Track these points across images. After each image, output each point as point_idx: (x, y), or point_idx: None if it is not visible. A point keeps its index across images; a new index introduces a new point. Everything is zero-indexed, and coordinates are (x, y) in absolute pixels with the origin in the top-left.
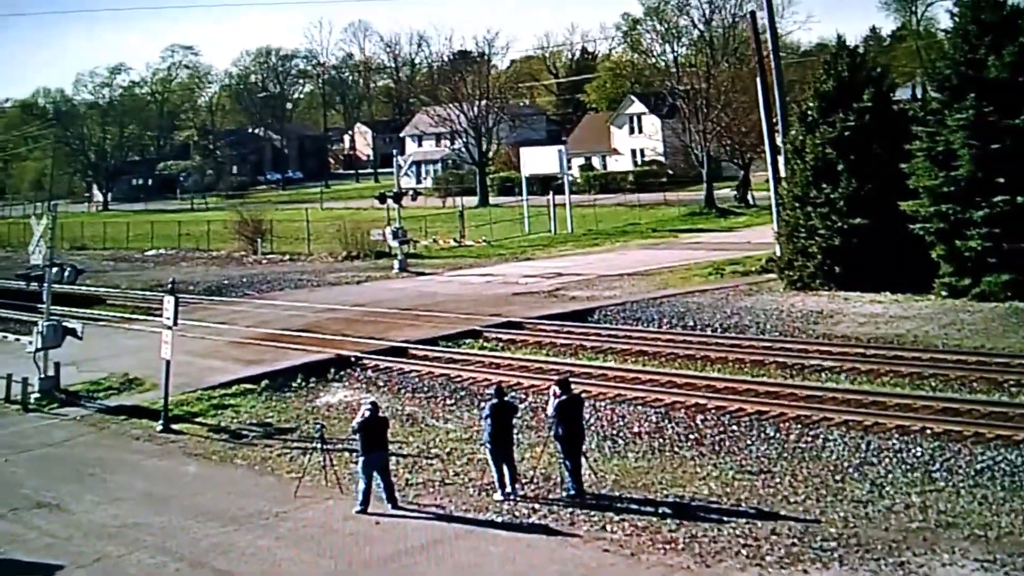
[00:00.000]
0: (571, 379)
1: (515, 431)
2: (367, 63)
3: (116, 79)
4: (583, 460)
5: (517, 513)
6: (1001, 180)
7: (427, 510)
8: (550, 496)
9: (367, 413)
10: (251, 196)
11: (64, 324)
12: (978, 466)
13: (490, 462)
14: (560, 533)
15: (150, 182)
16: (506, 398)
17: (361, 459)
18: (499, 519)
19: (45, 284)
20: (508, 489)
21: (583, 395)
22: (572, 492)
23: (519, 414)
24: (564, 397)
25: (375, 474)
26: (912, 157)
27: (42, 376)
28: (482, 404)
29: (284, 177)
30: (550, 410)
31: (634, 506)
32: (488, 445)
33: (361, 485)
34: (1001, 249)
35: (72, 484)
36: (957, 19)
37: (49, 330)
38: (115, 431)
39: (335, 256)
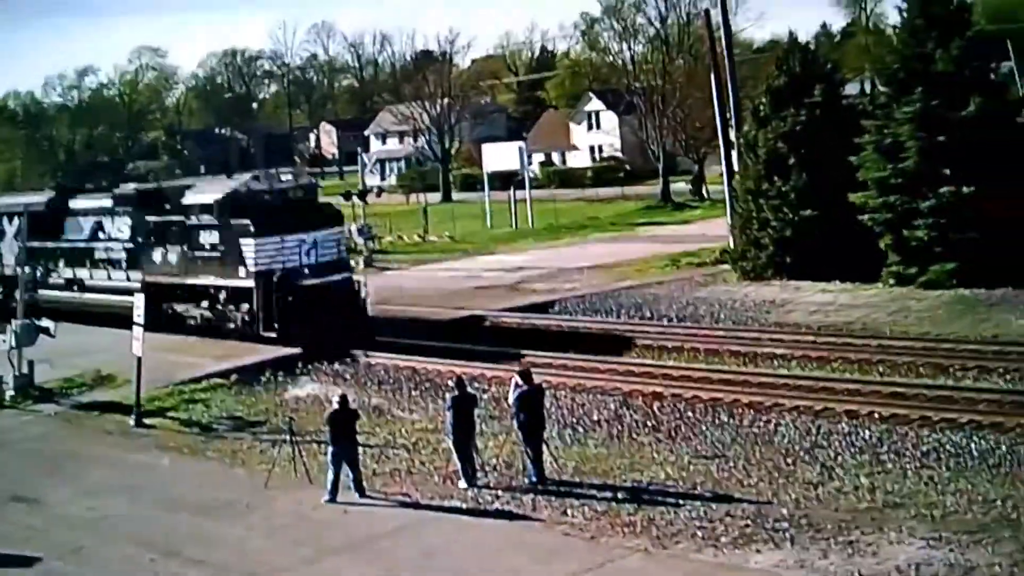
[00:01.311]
0: (532, 370)
1: (478, 421)
2: (331, 63)
3: (84, 81)
4: (544, 448)
5: (481, 500)
6: (947, 172)
7: (394, 498)
8: (513, 483)
9: (336, 406)
10: None
11: (37, 323)
12: (924, 448)
13: (453, 452)
14: (523, 518)
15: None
16: (467, 390)
17: (330, 450)
18: (464, 506)
19: (19, 284)
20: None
21: (544, 385)
22: (534, 479)
23: (481, 405)
24: (525, 387)
25: (344, 464)
26: (861, 150)
27: (16, 374)
28: (446, 396)
29: None
30: (511, 400)
31: (594, 491)
32: (451, 436)
33: (330, 475)
34: (947, 239)
35: (48, 478)
36: (905, 14)
37: (22, 329)
38: (89, 426)
39: None
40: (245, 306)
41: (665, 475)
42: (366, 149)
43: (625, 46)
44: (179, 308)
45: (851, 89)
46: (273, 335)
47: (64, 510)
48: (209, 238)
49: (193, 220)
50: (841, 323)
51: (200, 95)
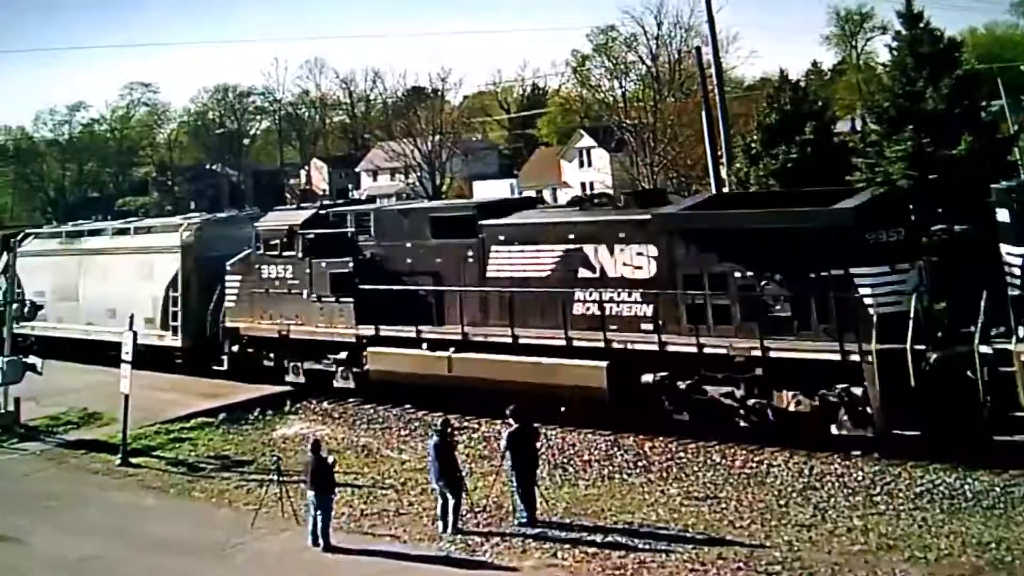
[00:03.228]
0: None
1: (469, 460)
2: (323, 99)
3: (75, 116)
4: (535, 488)
5: (470, 542)
6: (939, 210)
7: (382, 541)
8: (503, 524)
9: (310, 454)
10: None
11: (24, 360)
12: (917, 489)
13: (437, 496)
14: (512, 562)
15: (109, 218)
16: (449, 430)
17: (310, 493)
18: (452, 547)
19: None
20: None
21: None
22: (524, 520)
23: (469, 444)
24: (518, 426)
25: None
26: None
27: (2, 411)
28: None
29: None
30: (504, 439)
31: (584, 533)
32: (433, 479)
33: (310, 519)
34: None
35: (32, 518)
36: (895, 52)
37: (9, 366)
38: (74, 465)
39: None
40: None
41: (656, 516)
42: (357, 186)
43: (616, 83)
44: None
45: (842, 127)
46: None
47: (46, 550)
48: None
49: None
50: None
51: (191, 131)
